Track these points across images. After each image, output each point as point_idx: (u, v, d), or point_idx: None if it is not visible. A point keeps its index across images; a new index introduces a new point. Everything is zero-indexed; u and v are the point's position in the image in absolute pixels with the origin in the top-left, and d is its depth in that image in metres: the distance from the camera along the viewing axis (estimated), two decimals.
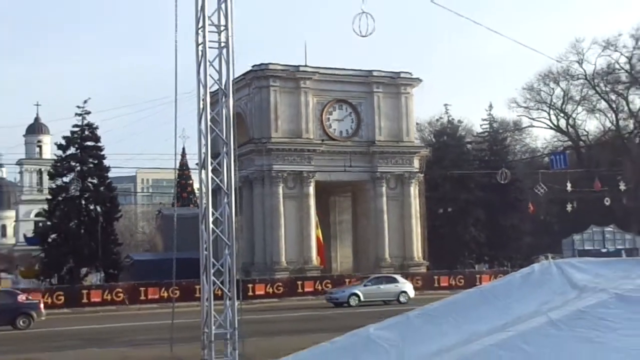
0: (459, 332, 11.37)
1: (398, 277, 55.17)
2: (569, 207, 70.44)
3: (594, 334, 10.21)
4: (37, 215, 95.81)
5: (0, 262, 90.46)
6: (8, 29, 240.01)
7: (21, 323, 39.58)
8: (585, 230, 72.97)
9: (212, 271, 18.10)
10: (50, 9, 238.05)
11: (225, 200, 18.68)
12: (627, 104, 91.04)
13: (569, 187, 64.64)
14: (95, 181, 67.86)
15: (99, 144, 68.46)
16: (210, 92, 18.73)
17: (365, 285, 52.15)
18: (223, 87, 18.89)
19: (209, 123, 18.54)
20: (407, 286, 53.11)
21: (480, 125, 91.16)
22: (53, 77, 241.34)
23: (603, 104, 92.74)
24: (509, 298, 11.87)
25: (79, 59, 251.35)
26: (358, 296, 50.26)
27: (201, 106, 18.68)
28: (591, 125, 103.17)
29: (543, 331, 10.30)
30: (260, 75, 67.09)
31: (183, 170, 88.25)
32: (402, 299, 50.99)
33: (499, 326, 10.93)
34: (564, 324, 10.35)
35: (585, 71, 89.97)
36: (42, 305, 42.76)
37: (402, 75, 71.35)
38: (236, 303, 18.30)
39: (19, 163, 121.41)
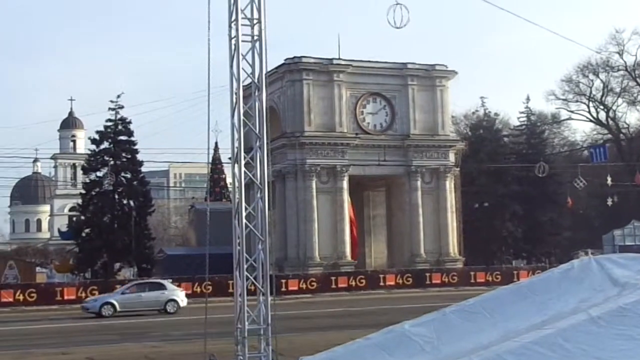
0: (496, 329, 11.23)
1: (166, 282, 48.97)
2: (609, 202, 69.79)
3: (635, 331, 10.05)
4: (71, 209, 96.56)
5: (36, 257, 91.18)
6: (43, 25, 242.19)
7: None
8: (626, 225, 72.02)
9: (245, 266, 17.94)
10: (85, 4, 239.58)
11: (259, 194, 18.51)
12: None
13: (609, 180, 63.99)
14: (128, 175, 68.15)
15: (132, 139, 68.70)
16: (243, 86, 18.58)
17: (122, 294, 45.80)
18: (256, 81, 18.72)
19: (242, 117, 18.40)
20: (178, 293, 46.81)
21: (518, 118, 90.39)
22: (87, 72, 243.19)
23: None
24: (548, 294, 11.70)
25: (113, 54, 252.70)
26: (113, 306, 44.20)
27: (234, 100, 18.53)
28: (632, 117, 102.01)
29: (583, 328, 10.14)
30: (293, 68, 66.95)
31: (216, 164, 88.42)
32: (170, 308, 45.19)
33: (537, 323, 10.78)
34: (605, 321, 10.18)
35: (625, 62, 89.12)
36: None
37: (437, 67, 70.86)
38: (269, 299, 18.14)
39: (54, 158, 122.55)
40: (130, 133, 68.71)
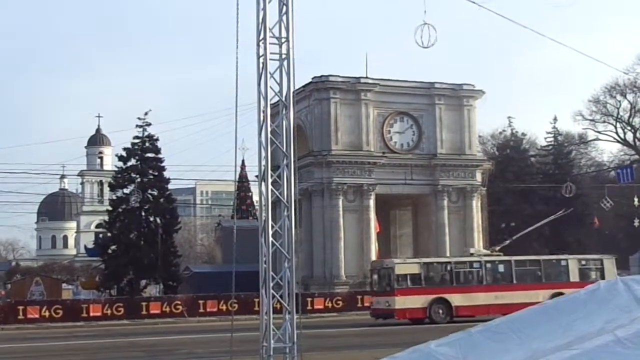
0: (522, 349, 11.18)
1: None
2: (636, 222, 69.25)
3: None
4: (97, 226, 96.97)
5: (62, 273, 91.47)
6: (72, 41, 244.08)
7: None
8: None
9: (271, 284, 17.99)
10: (114, 22, 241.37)
11: (285, 213, 18.56)
12: None
13: (636, 201, 63.65)
14: (155, 193, 67.98)
15: (159, 156, 68.62)
16: (270, 104, 18.65)
17: None
18: (283, 99, 18.80)
19: (269, 135, 18.47)
20: None
21: (545, 138, 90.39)
22: (114, 89, 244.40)
23: None
24: (574, 315, 11.63)
25: (140, 71, 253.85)
26: None
27: (261, 118, 18.60)
28: None
29: (609, 349, 10.08)
30: (320, 87, 67.07)
31: (242, 182, 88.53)
32: None
33: (563, 344, 10.71)
34: (631, 343, 10.12)
35: None
36: None
37: (464, 87, 70.81)
38: (295, 317, 18.16)
39: (81, 174, 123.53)
40: (157, 150, 68.72)
